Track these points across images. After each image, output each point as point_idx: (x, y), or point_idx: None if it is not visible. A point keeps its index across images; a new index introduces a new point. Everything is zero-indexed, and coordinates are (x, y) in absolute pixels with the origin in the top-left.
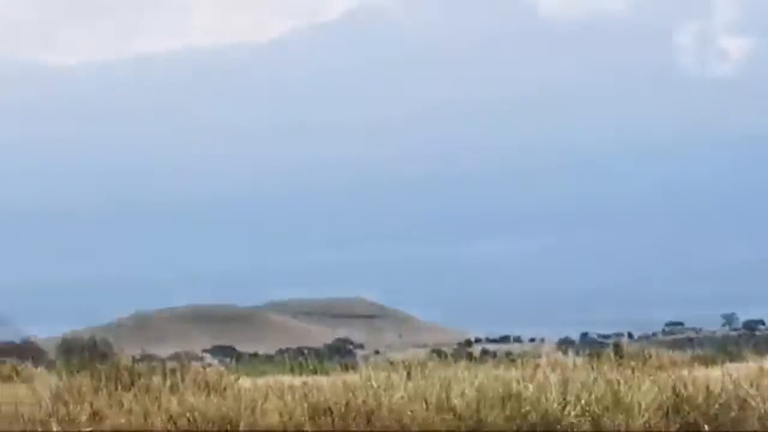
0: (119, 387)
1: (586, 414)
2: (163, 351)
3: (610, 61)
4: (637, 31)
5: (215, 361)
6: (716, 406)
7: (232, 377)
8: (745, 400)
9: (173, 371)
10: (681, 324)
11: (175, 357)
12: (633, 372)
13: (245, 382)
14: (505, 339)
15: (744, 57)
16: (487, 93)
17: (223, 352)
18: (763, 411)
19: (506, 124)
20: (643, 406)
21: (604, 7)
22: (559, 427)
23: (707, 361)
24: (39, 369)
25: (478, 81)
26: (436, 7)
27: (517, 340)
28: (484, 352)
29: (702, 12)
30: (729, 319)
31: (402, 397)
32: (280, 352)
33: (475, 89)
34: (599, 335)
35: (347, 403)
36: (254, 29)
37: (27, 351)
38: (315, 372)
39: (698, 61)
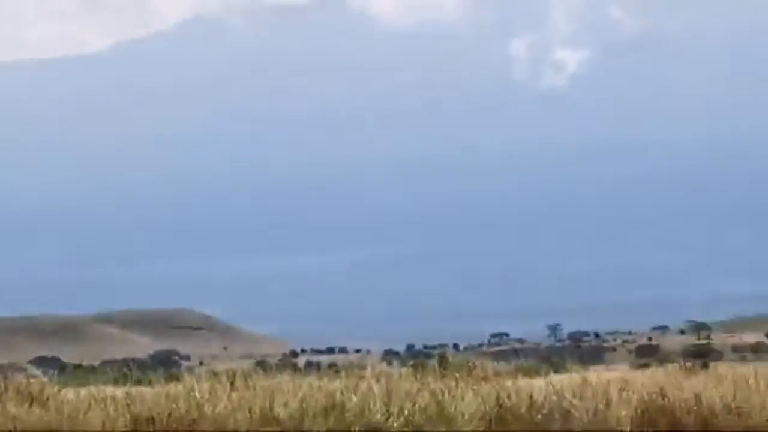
0: None
1: (410, 424)
2: None
3: (445, 72)
4: (471, 43)
5: (39, 372)
6: (539, 416)
7: (56, 388)
8: (568, 411)
9: None
10: (506, 335)
11: None
12: (457, 383)
13: (69, 393)
14: (330, 350)
15: (578, 69)
16: (313, 108)
17: (48, 363)
18: (585, 421)
19: (330, 139)
20: (467, 417)
21: (439, 18)
22: None
23: (531, 372)
24: None
25: (307, 97)
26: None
27: (343, 351)
28: (310, 364)
29: (536, 25)
30: (554, 330)
31: (225, 407)
32: (105, 363)
33: (302, 105)
34: (425, 346)
35: (170, 414)
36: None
37: None
38: (139, 383)
39: (532, 73)
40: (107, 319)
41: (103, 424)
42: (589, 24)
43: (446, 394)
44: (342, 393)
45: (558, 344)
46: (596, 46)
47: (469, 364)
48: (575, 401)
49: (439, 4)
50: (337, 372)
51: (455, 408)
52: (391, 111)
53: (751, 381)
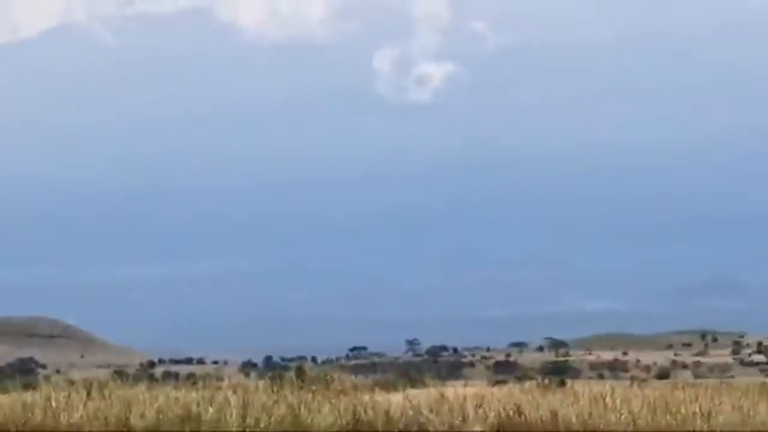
0: None
1: None
2: None
3: (311, 85)
4: (336, 56)
5: None
6: (396, 430)
7: None
8: (424, 426)
9: None
10: (365, 349)
11: None
12: (314, 396)
13: None
14: (188, 361)
15: (442, 83)
16: (177, 110)
17: None
18: None
19: (199, 142)
20: (323, 430)
21: (305, 31)
22: None
23: (389, 387)
24: None
25: (172, 98)
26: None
27: (201, 362)
28: (167, 374)
29: (401, 38)
30: (412, 344)
31: (81, 417)
32: None
33: (168, 112)
34: (283, 359)
35: (25, 422)
36: None
37: None
38: None
39: (396, 87)
40: None
41: None
42: (454, 38)
43: (303, 407)
44: (198, 404)
45: (416, 359)
46: (461, 60)
47: (327, 377)
48: (432, 416)
49: (305, 16)
50: (195, 383)
51: (311, 421)
52: (255, 122)
53: (608, 399)
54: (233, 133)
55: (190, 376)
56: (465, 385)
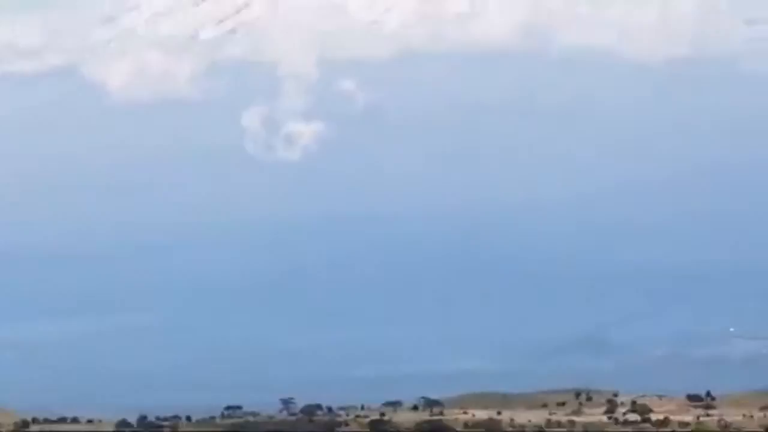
0: None
1: None
2: None
3: (179, 145)
4: (204, 113)
5: None
6: None
7: None
8: None
9: None
10: (240, 408)
11: None
12: None
13: None
14: (62, 420)
15: (311, 141)
16: (41, 169)
17: None
18: None
19: (67, 203)
20: None
21: (173, 89)
22: None
23: None
24: None
25: (36, 158)
26: None
27: (75, 421)
28: None
29: (269, 96)
30: (287, 403)
31: None
32: None
33: (32, 167)
34: (157, 418)
35: None
36: None
37: None
38: None
39: (265, 145)
40: None
41: None
42: (322, 97)
43: None
44: None
45: (291, 418)
46: (329, 119)
47: None
48: None
49: (173, 75)
50: None
51: None
52: (123, 181)
53: None
54: (102, 196)
55: None
56: None
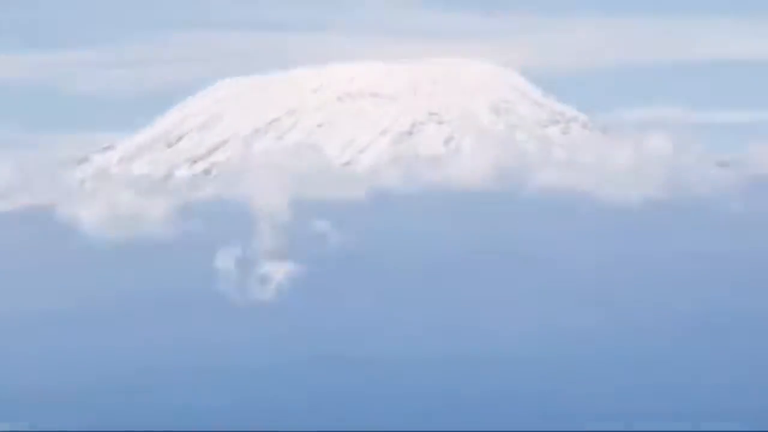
0: None
1: None
2: None
3: (152, 286)
4: (177, 254)
5: None
6: None
7: None
8: None
9: None
10: None
11: None
12: None
13: None
14: None
15: (284, 282)
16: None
17: None
18: None
19: (31, 342)
20: None
21: (146, 230)
22: None
23: None
24: None
25: (15, 298)
26: None
27: None
28: None
29: (243, 237)
30: None
31: None
32: None
33: (12, 306)
34: None
35: None
36: None
37: None
38: None
39: (239, 286)
40: None
41: None
42: (296, 237)
43: None
44: None
45: None
46: (302, 259)
47: None
48: None
49: (146, 216)
50: None
51: None
52: (94, 322)
53: None
54: (72, 336)
55: None
56: None
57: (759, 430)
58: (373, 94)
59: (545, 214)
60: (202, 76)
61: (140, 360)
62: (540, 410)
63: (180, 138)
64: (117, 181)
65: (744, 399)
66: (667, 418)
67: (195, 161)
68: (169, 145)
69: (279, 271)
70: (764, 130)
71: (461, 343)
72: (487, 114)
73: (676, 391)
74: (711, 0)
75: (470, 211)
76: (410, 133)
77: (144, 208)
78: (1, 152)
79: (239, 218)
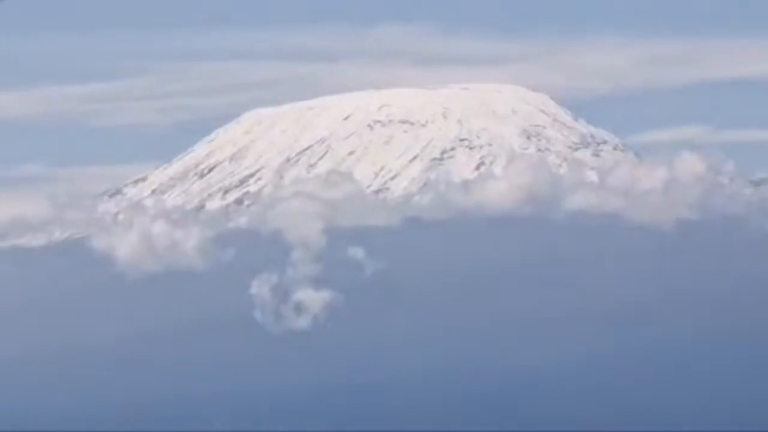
0: None
1: None
2: None
3: (188, 315)
4: (213, 283)
5: None
6: None
7: None
8: None
9: None
10: None
11: None
12: None
13: None
14: None
15: (320, 310)
16: (48, 342)
17: None
18: None
19: (65, 376)
20: None
21: (181, 259)
22: None
23: None
24: None
25: (44, 331)
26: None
27: None
28: None
29: (277, 265)
30: None
31: None
32: None
33: (38, 340)
34: None
35: None
36: None
37: None
38: None
39: (275, 314)
40: None
41: None
42: (330, 265)
43: None
44: None
45: None
46: (337, 287)
47: None
48: None
49: (181, 246)
50: None
51: None
52: (131, 353)
53: None
54: (110, 368)
55: None
56: None
57: None
58: (404, 121)
59: (578, 237)
60: (233, 107)
61: (177, 388)
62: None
63: (212, 169)
64: (150, 212)
65: None
66: None
67: (227, 191)
68: (201, 176)
69: (314, 299)
70: None
71: (497, 367)
72: (518, 138)
73: (712, 413)
74: (738, 19)
75: (503, 235)
76: (441, 159)
77: (178, 238)
78: (35, 187)
79: (273, 247)
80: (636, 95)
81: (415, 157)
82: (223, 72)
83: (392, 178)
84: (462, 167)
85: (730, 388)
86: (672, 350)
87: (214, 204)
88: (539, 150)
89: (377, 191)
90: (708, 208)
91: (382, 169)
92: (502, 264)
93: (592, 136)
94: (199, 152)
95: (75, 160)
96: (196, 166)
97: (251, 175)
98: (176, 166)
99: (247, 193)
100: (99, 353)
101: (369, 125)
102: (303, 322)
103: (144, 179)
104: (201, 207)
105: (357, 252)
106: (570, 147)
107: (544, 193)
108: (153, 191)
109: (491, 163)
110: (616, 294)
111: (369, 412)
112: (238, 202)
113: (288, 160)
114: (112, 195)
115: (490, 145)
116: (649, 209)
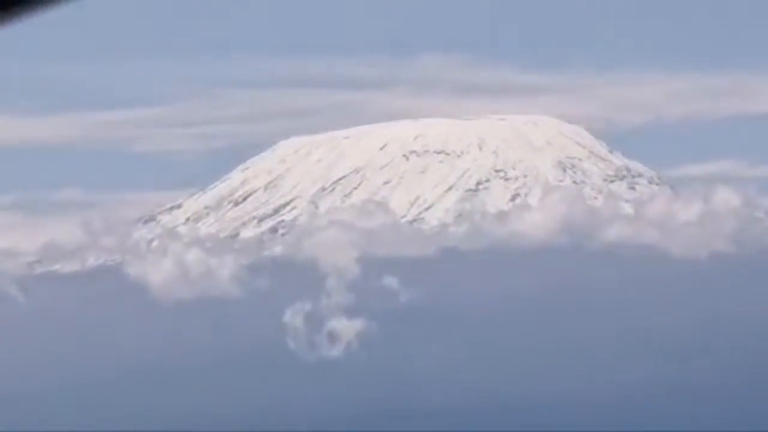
0: None
1: None
2: None
3: (221, 342)
4: (246, 311)
5: None
6: None
7: None
8: None
9: None
10: None
11: None
12: None
13: None
14: None
15: (353, 338)
16: (85, 368)
17: None
18: None
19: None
20: None
21: (215, 287)
22: None
23: None
24: None
25: (86, 358)
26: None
27: None
28: None
29: (311, 294)
30: None
31: None
32: None
33: (75, 365)
34: None
35: None
36: None
37: None
38: None
39: (308, 343)
40: None
41: None
42: (366, 294)
43: None
44: None
45: None
46: (372, 316)
47: None
48: None
49: (214, 273)
50: None
51: None
52: (164, 379)
53: None
54: (143, 394)
55: None
56: None
57: None
58: (439, 152)
59: (613, 269)
60: (268, 135)
61: (209, 416)
62: None
63: (246, 197)
64: (184, 240)
65: None
66: None
67: (262, 220)
68: (236, 204)
69: (348, 328)
70: None
71: (531, 396)
72: (553, 170)
73: None
74: None
75: (538, 266)
76: (476, 189)
77: (212, 266)
78: (69, 213)
79: (307, 275)
80: (672, 128)
81: (450, 188)
82: (261, 99)
83: (427, 209)
84: (497, 198)
85: (763, 419)
86: (705, 381)
87: (248, 232)
88: (574, 182)
89: (412, 221)
90: (743, 241)
91: (417, 199)
92: (537, 294)
93: (628, 169)
94: (233, 180)
95: (108, 187)
96: (231, 194)
97: (286, 204)
98: (211, 194)
99: (282, 222)
100: (132, 380)
101: (404, 155)
102: (336, 351)
103: (179, 206)
104: (235, 235)
105: (392, 281)
106: (605, 179)
107: (579, 224)
108: (187, 219)
109: (526, 195)
110: (651, 325)
111: None
112: (273, 230)
113: (323, 189)
114: (146, 222)
115: (525, 176)
116: (684, 242)
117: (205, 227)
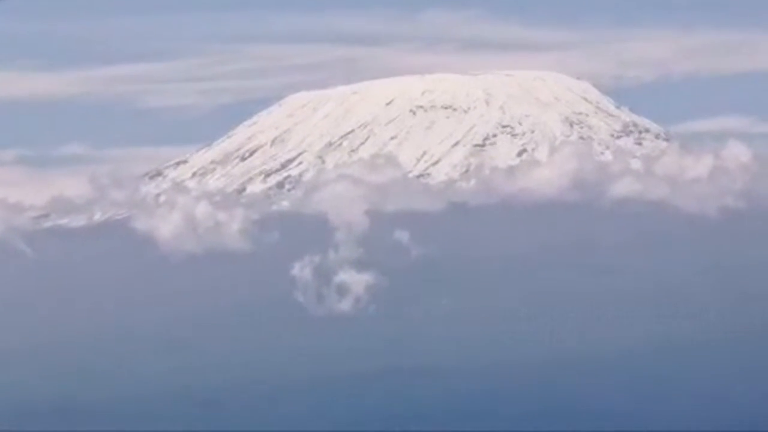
0: None
1: None
2: None
3: (229, 297)
4: (255, 265)
5: None
6: None
7: None
8: None
9: None
10: None
11: None
12: None
13: None
14: None
15: (362, 292)
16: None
17: None
18: None
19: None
20: None
21: (223, 241)
22: None
23: None
24: None
25: (87, 311)
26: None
27: None
28: None
29: (320, 248)
30: None
31: None
32: None
33: (82, 320)
34: None
35: None
36: None
37: None
38: None
39: (317, 296)
40: None
41: None
42: (374, 248)
43: None
44: None
45: None
46: (381, 269)
47: None
48: None
49: (223, 228)
50: None
51: None
52: (173, 334)
53: None
54: (152, 349)
55: None
56: None
57: None
58: (446, 107)
59: (622, 225)
60: (275, 90)
61: (218, 371)
62: (616, 417)
63: (253, 152)
64: (192, 194)
65: None
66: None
67: (269, 175)
68: (243, 159)
69: (357, 281)
70: None
71: (541, 351)
72: (560, 125)
73: (758, 403)
74: None
75: (547, 221)
76: (483, 145)
77: (220, 220)
78: (76, 168)
79: (316, 230)
80: (680, 85)
81: (457, 143)
82: (268, 55)
83: (434, 164)
84: (504, 154)
85: None
86: (715, 338)
87: (255, 187)
88: (581, 138)
89: (420, 176)
90: (754, 196)
91: (424, 154)
92: (546, 249)
93: (635, 125)
94: (240, 135)
95: (115, 142)
96: (238, 149)
97: (293, 159)
98: (217, 149)
99: (289, 177)
100: (139, 335)
101: (411, 110)
102: (346, 305)
103: (185, 162)
104: (242, 190)
105: (402, 235)
106: (612, 135)
107: (588, 180)
108: (194, 174)
109: (533, 150)
110: (660, 281)
111: (410, 396)
112: (280, 185)
113: (330, 144)
114: (152, 177)
115: (532, 131)
116: (694, 197)
117: (212, 182)
